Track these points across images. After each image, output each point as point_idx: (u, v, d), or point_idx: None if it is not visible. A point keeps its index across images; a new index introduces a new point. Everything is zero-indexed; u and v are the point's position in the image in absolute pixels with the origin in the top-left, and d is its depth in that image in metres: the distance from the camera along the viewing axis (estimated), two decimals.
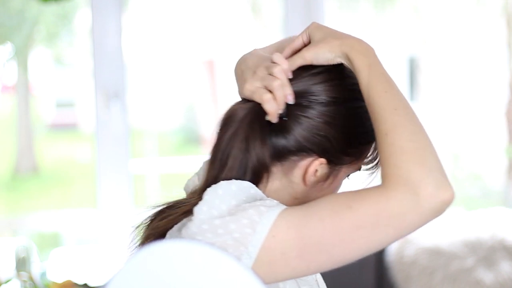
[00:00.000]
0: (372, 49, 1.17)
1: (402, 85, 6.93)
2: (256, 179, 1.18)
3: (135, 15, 6.43)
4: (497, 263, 3.02)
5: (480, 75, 6.57)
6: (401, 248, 3.08)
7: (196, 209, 1.12)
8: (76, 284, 2.51)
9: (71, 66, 7.48)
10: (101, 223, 3.25)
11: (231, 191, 1.13)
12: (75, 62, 7.29)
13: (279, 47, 1.27)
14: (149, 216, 1.23)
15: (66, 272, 2.98)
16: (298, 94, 1.18)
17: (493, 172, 6.62)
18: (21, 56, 6.06)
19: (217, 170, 1.19)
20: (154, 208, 1.23)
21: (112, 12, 3.18)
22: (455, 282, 2.98)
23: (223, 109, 1.24)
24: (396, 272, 3.07)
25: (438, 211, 1.06)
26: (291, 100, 1.17)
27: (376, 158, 1.26)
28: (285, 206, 1.11)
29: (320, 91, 1.19)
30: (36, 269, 2.66)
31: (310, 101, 1.18)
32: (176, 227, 1.18)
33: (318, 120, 1.18)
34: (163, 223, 1.19)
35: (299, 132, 1.18)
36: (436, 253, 3.04)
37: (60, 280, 2.54)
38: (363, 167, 1.26)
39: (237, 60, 1.29)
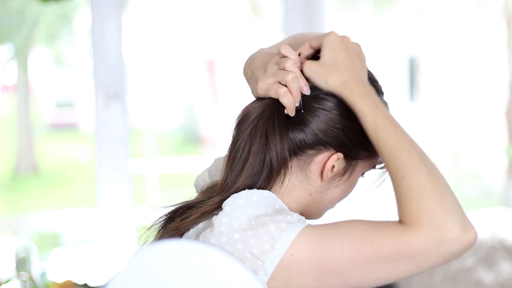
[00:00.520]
0: (372, 89, 1.16)
1: (402, 85, 6.93)
2: (275, 175, 1.19)
3: (135, 15, 6.43)
4: (497, 263, 3.02)
5: (480, 75, 6.57)
6: None
7: (216, 221, 1.12)
8: (76, 284, 2.50)
9: (71, 66, 7.48)
10: (101, 223, 3.25)
11: (252, 202, 1.14)
12: (75, 62, 7.29)
13: (289, 44, 1.26)
14: (161, 217, 1.23)
15: (66, 272, 2.98)
16: (314, 86, 1.18)
17: (493, 172, 6.62)
18: (21, 56, 6.06)
19: (237, 169, 1.19)
20: (164, 208, 1.23)
21: (112, 12, 3.17)
22: (455, 282, 2.98)
23: (226, 109, 1.24)
24: None
25: (462, 252, 1.07)
26: (306, 91, 1.18)
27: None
28: (306, 223, 1.11)
29: None
30: (36, 269, 2.66)
31: (326, 93, 1.18)
32: (192, 231, 1.19)
33: (334, 112, 1.18)
34: (185, 224, 1.19)
35: (316, 124, 1.18)
36: None
37: (60, 280, 2.54)
38: (377, 166, 1.26)
39: (241, 62, 1.29)
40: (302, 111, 1.18)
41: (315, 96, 1.18)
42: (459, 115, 6.67)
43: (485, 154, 6.63)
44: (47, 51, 7.12)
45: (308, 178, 1.20)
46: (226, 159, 1.21)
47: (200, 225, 1.19)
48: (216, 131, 7.43)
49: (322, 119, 1.18)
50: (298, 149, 1.19)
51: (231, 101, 7.06)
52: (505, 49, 6.33)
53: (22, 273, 2.57)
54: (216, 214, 1.15)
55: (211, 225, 1.14)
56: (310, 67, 1.18)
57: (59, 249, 3.82)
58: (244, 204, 1.13)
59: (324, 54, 1.17)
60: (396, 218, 1.09)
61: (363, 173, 1.26)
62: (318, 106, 1.18)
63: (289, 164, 1.20)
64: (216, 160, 1.34)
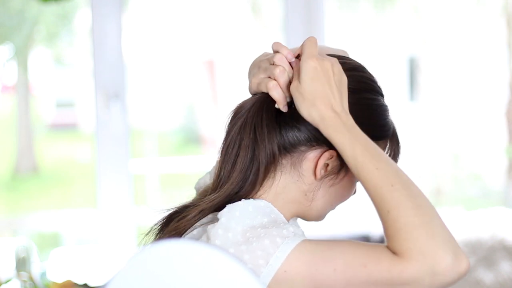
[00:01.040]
0: (350, 119, 1.14)
1: (402, 85, 6.93)
2: (265, 170, 1.18)
3: (135, 15, 6.43)
4: (497, 263, 3.02)
5: (480, 75, 6.57)
6: None
7: (212, 233, 1.12)
8: (76, 284, 2.50)
9: (71, 66, 7.48)
10: (101, 223, 3.25)
11: (248, 212, 1.14)
12: (75, 62, 7.29)
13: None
14: (158, 221, 1.23)
15: (66, 272, 2.97)
16: None
17: (493, 172, 6.62)
18: (21, 56, 6.06)
19: (230, 164, 1.19)
20: (162, 212, 1.23)
21: (112, 12, 3.17)
22: None
23: (226, 109, 1.24)
24: None
25: (455, 281, 1.06)
26: None
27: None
28: (302, 238, 1.11)
29: None
30: (36, 269, 2.66)
31: None
32: (188, 236, 1.19)
33: None
34: (183, 223, 1.19)
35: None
36: None
37: (60, 280, 2.54)
38: None
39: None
40: (293, 105, 1.18)
41: None
42: (459, 115, 6.67)
43: (485, 154, 6.63)
44: (47, 51, 7.12)
45: (301, 175, 1.20)
46: (220, 154, 1.21)
47: (195, 231, 1.19)
48: (216, 131, 7.44)
49: None
50: (290, 146, 1.19)
51: (231, 101, 7.04)
52: (505, 49, 6.33)
53: (22, 273, 2.56)
54: (212, 223, 1.15)
55: (206, 233, 1.14)
56: (292, 90, 1.16)
57: (59, 249, 3.82)
58: (240, 215, 1.13)
59: (302, 81, 1.14)
60: None
61: None
62: None
63: (281, 160, 1.19)
64: (217, 162, 1.35)
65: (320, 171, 1.19)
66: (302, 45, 1.17)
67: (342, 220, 3.07)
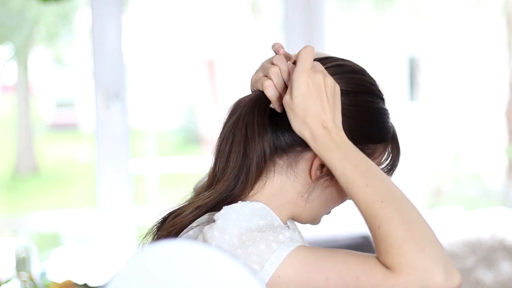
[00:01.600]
0: (341, 134, 1.14)
1: (402, 85, 6.93)
2: (256, 168, 1.18)
3: (135, 15, 6.43)
4: (497, 263, 3.02)
5: (480, 75, 6.57)
6: None
7: (209, 235, 1.12)
8: (76, 284, 2.50)
9: (71, 66, 7.48)
10: (101, 223, 3.25)
11: (244, 215, 1.14)
12: (75, 62, 7.29)
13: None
14: (155, 223, 1.23)
15: (66, 272, 2.97)
16: None
17: (493, 172, 6.62)
18: (21, 56, 6.06)
19: (223, 161, 1.20)
20: (161, 213, 1.24)
21: (112, 12, 3.17)
22: None
23: (226, 109, 1.25)
24: None
25: None
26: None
27: (392, 168, 1.26)
28: (297, 244, 1.11)
29: None
30: (36, 269, 2.66)
31: None
32: (184, 236, 1.19)
33: None
34: (179, 219, 1.20)
35: None
36: None
37: (60, 280, 2.54)
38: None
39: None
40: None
41: None
42: (459, 115, 6.67)
43: (485, 154, 6.63)
44: (47, 51, 7.12)
45: (297, 176, 1.20)
46: (214, 149, 1.22)
47: (191, 232, 1.19)
48: (216, 131, 7.41)
49: None
50: (286, 146, 1.19)
51: (231, 101, 7.03)
52: (505, 49, 6.33)
53: (22, 273, 2.56)
54: (208, 224, 1.15)
55: (202, 234, 1.14)
56: (284, 104, 1.16)
57: (59, 249, 3.82)
58: (236, 218, 1.13)
59: (294, 97, 1.14)
60: None
61: None
62: None
63: (277, 160, 1.20)
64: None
65: (315, 172, 1.19)
66: (298, 54, 1.17)
67: (342, 220, 3.07)
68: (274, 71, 1.18)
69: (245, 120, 1.18)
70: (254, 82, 1.21)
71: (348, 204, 1.31)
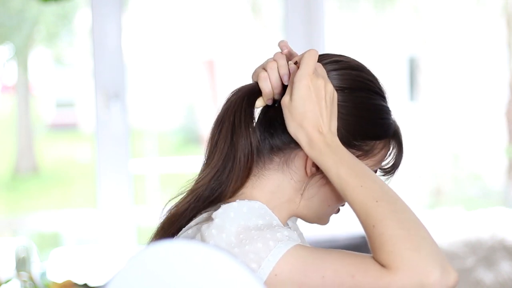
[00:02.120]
0: (336, 140, 1.15)
1: (402, 85, 6.93)
2: (247, 158, 1.19)
3: (135, 15, 6.43)
4: (497, 263, 3.02)
5: (480, 75, 6.57)
6: None
7: (206, 233, 1.13)
8: (76, 284, 2.50)
9: (71, 66, 7.48)
10: (101, 223, 3.25)
11: (242, 213, 1.14)
12: (75, 62, 7.29)
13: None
14: (158, 225, 1.25)
15: (66, 272, 2.97)
16: None
17: (493, 172, 6.62)
18: (21, 56, 6.06)
19: (213, 149, 1.21)
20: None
21: (112, 12, 3.17)
22: None
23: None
24: None
25: None
26: (285, 80, 1.18)
27: (395, 166, 1.26)
28: (295, 242, 1.11)
29: None
30: (36, 269, 2.66)
31: None
32: (183, 236, 1.20)
33: None
34: (178, 207, 1.22)
35: None
36: None
37: (60, 280, 2.54)
38: (379, 171, 1.25)
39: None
40: (276, 105, 1.20)
41: None
42: (459, 115, 6.67)
43: (485, 154, 6.63)
44: (47, 51, 7.12)
45: (293, 173, 1.20)
46: (207, 142, 1.24)
47: (190, 231, 1.20)
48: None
49: None
50: (281, 143, 1.20)
51: None
52: (505, 49, 6.33)
53: (22, 273, 2.56)
54: (206, 223, 1.15)
55: (200, 233, 1.15)
56: (283, 105, 1.17)
57: (59, 249, 3.82)
58: (234, 216, 1.14)
59: (293, 100, 1.15)
60: None
61: None
62: None
63: (273, 158, 1.21)
64: None
65: (310, 168, 1.19)
66: (302, 57, 1.18)
67: (342, 220, 3.07)
68: (271, 66, 1.19)
69: (234, 108, 1.20)
70: (253, 74, 1.23)
71: (348, 205, 1.30)
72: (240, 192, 1.20)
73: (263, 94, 1.20)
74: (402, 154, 1.26)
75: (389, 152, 1.25)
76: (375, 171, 1.24)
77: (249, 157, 1.19)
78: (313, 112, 1.14)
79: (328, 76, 1.19)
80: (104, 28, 3.17)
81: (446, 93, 6.71)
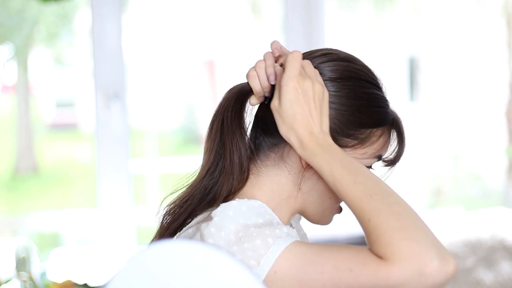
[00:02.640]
0: (328, 139, 1.15)
1: (402, 85, 6.94)
2: (246, 160, 1.20)
3: (135, 15, 6.43)
4: (497, 263, 3.02)
5: (480, 75, 6.57)
6: None
7: (205, 232, 1.13)
8: (76, 284, 2.50)
9: (71, 66, 7.48)
10: (101, 223, 3.25)
11: (242, 212, 1.15)
12: (75, 62, 7.29)
13: None
14: (157, 225, 1.26)
15: (66, 272, 2.97)
16: None
17: (493, 172, 6.63)
18: (21, 56, 6.06)
19: (206, 143, 1.22)
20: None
21: (112, 12, 3.17)
22: (455, 282, 2.98)
23: None
24: None
25: (443, 284, 1.06)
26: (271, 80, 1.19)
27: (397, 156, 1.26)
28: (294, 239, 1.12)
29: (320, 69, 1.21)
30: (36, 269, 2.66)
31: None
32: (183, 235, 1.20)
33: None
34: (177, 201, 1.23)
35: None
36: None
37: (60, 280, 2.54)
38: (380, 163, 1.25)
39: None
40: (266, 102, 1.21)
41: None
42: (459, 115, 6.67)
43: (485, 154, 6.63)
44: (47, 51, 7.13)
45: (289, 168, 1.21)
46: (206, 138, 1.24)
47: (190, 230, 1.20)
48: None
49: None
50: (275, 138, 1.21)
51: None
52: (505, 49, 6.34)
53: (22, 273, 2.56)
54: (206, 222, 1.16)
55: (199, 231, 1.15)
56: (272, 108, 1.18)
57: (59, 249, 3.82)
58: (233, 215, 1.14)
59: (282, 103, 1.16)
60: None
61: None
62: None
63: (269, 153, 1.22)
64: None
65: (305, 161, 1.19)
66: (286, 60, 1.18)
67: (342, 220, 3.07)
68: (260, 65, 1.21)
69: (224, 107, 1.21)
70: (246, 74, 1.25)
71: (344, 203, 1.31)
72: (241, 192, 1.21)
73: (254, 92, 1.21)
74: (403, 143, 1.26)
75: (388, 141, 1.25)
76: (379, 159, 1.24)
77: (241, 155, 1.20)
78: (302, 114, 1.15)
79: (319, 69, 1.20)
80: (104, 28, 3.17)
81: (446, 93, 6.71)
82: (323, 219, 1.26)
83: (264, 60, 1.21)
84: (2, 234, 4.13)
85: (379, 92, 1.23)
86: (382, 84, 1.25)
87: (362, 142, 1.21)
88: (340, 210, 1.26)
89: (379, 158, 1.24)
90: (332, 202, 1.24)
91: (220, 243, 1.11)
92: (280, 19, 4.26)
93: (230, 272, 0.98)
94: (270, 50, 1.23)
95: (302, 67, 1.18)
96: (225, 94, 1.23)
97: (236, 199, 1.18)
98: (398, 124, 1.25)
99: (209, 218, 1.16)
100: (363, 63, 1.24)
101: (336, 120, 1.19)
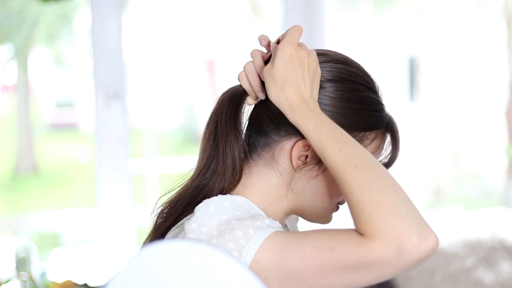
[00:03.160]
0: (317, 106, 1.15)
1: (402, 85, 6.93)
2: (238, 161, 1.20)
3: (135, 15, 6.43)
4: (497, 263, 3.02)
5: (480, 75, 6.57)
6: None
7: (187, 227, 1.13)
8: (76, 284, 2.51)
9: (71, 66, 7.48)
10: (101, 223, 3.25)
11: (224, 208, 1.14)
12: (75, 62, 7.29)
13: None
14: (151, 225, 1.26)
15: (66, 272, 2.98)
16: None
17: (493, 172, 6.62)
18: (21, 56, 6.06)
19: (201, 146, 1.22)
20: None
21: (112, 12, 3.17)
22: (455, 282, 2.98)
23: None
24: None
25: (423, 259, 1.04)
26: (262, 77, 1.19)
27: (391, 160, 1.25)
28: (275, 229, 1.11)
29: None
30: (36, 269, 2.66)
31: None
32: (170, 234, 1.20)
33: None
34: (168, 203, 1.23)
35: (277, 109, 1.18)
36: (436, 253, 3.03)
37: (60, 280, 2.54)
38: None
39: (241, 62, 1.32)
40: (259, 103, 1.21)
41: None
42: (459, 115, 6.67)
43: (485, 154, 6.63)
44: (47, 51, 7.12)
45: (281, 168, 1.20)
46: (202, 137, 1.25)
47: (177, 229, 1.20)
48: None
49: None
50: (267, 138, 1.21)
51: None
52: (505, 49, 6.33)
53: (22, 273, 2.57)
54: (188, 218, 1.16)
55: (183, 230, 1.15)
56: (265, 72, 1.18)
57: (59, 249, 3.82)
58: (215, 210, 1.13)
59: (275, 64, 1.16)
60: None
61: None
62: None
63: (261, 153, 1.21)
64: None
65: (296, 160, 1.19)
66: (287, 31, 1.19)
67: (341, 220, 3.07)
68: (247, 65, 1.21)
69: (217, 110, 1.22)
70: None
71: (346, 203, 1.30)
72: (232, 192, 1.21)
73: (248, 92, 1.21)
74: (397, 148, 1.25)
75: (382, 145, 1.24)
76: None
77: (234, 157, 1.20)
78: (295, 76, 1.15)
79: None
80: (104, 28, 3.17)
81: (446, 93, 6.71)
82: (320, 219, 1.26)
83: (252, 57, 1.21)
84: (2, 234, 4.13)
85: (373, 96, 1.22)
86: (378, 88, 1.24)
87: (358, 141, 1.19)
88: (337, 208, 1.26)
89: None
90: (327, 204, 1.23)
91: (201, 238, 1.10)
92: (280, 19, 4.26)
93: (229, 272, 0.98)
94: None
95: (300, 44, 1.18)
96: (220, 96, 1.23)
97: (219, 195, 1.17)
98: (393, 128, 1.24)
99: (192, 214, 1.16)
100: (359, 66, 1.23)
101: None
